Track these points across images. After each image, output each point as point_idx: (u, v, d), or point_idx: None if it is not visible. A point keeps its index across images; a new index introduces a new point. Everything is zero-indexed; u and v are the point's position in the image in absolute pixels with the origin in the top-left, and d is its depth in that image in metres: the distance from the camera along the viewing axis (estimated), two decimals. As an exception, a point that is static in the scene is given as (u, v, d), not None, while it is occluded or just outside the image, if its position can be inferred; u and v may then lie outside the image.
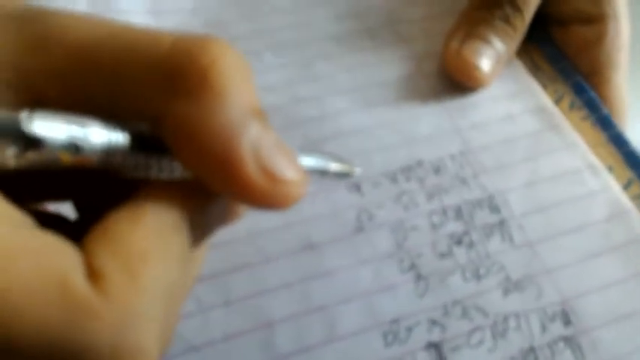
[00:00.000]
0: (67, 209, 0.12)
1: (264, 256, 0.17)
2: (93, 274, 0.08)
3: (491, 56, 0.21)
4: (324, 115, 0.20)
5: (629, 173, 0.20)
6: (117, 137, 0.09)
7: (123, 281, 0.08)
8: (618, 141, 0.21)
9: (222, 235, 0.18)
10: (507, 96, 0.21)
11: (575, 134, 0.21)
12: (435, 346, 0.16)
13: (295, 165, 0.10)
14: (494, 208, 0.19)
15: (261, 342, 0.16)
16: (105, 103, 0.10)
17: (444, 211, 0.19)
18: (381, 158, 0.19)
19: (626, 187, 0.20)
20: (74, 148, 0.09)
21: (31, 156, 0.09)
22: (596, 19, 0.22)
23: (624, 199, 0.19)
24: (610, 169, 0.20)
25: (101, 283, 0.08)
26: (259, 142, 0.10)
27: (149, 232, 0.09)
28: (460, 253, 0.18)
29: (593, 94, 0.22)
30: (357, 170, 0.13)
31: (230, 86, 0.09)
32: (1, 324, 0.08)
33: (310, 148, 0.19)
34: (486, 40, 0.21)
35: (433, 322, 0.16)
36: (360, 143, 0.20)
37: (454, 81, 0.21)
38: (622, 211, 0.19)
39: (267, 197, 0.10)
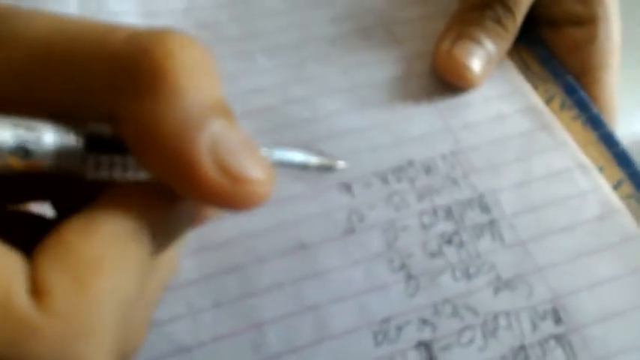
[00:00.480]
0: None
1: (255, 257, 0.17)
2: (37, 288, 0.08)
3: (482, 57, 0.21)
4: (316, 116, 0.20)
5: (619, 173, 0.20)
6: (70, 139, 0.09)
7: (69, 295, 0.08)
8: (609, 140, 0.21)
9: (212, 236, 0.18)
10: (499, 96, 0.22)
11: (565, 134, 0.21)
12: (425, 345, 0.16)
13: (260, 163, 0.09)
14: (485, 208, 0.19)
15: (252, 342, 0.16)
16: (63, 101, 0.09)
17: (435, 211, 0.19)
18: (372, 158, 0.19)
19: (617, 186, 0.20)
20: (24, 152, 0.09)
21: None
22: (587, 21, 0.22)
23: (615, 198, 0.19)
24: (601, 169, 0.20)
25: (45, 298, 0.08)
26: (219, 140, 0.09)
27: (103, 241, 0.09)
28: (450, 252, 0.18)
29: (583, 94, 0.22)
30: (341, 164, 0.13)
31: (187, 81, 0.09)
32: None
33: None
34: (477, 41, 0.21)
35: (423, 322, 0.17)
36: (351, 144, 0.20)
37: (446, 81, 0.21)
38: (612, 211, 0.19)
39: (228, 198, 0.09)
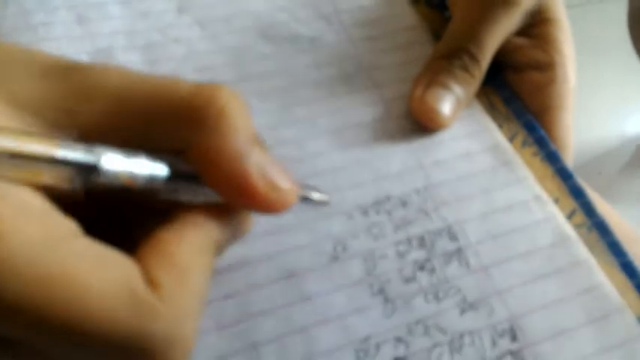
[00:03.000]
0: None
1: (251, 284, 0.20)
2: (151, 282, 0.11)
3: (451, 101, 0.24)
4: (304, 155, 0.23)
5: (572, 203, 0.23)
6: (158, 168, 0.12)
7: (174, 287, 0.11)
8: (564, 174, 0.24)
9: (215, 264, 0.20)
10: (467, 135, 0.24)
11: (525, 169, 0.24)
12: (399, 361, 0.19)
13: (288, 177, 0.13)
14: (453, 237, 0.21)
15: None
16: (139, 140, 0.12)
17: (409, 241, 0.21)
18: (354, 194, 0.22)
19: (570, 216, 0.23)
20: (129, 176, 0.12)
21: (96, 182, 0.11)
22: (546, 66, 0.25)
23: (567, 227, 0.22)
24: (556, 200, 0.23)
25: (157, 289, 0.11)
26: (261, 160, 0.13)
27: (191, 251, 0.12)
28: (423, 277, 0.21)
29: (542, 132, 0.24)
30: (330, 200, 0.17)
31: (239, 121, 0.12)
32: (81, 324, 0.10)
33: None
34: (447, 87, 0.24)
35: (399, 340, 0.19)
36: (335, 181, 0.22)
37: (420, 123, 0.24)
38: (564, 238, 0.22)
39: (270, 203, 0.13)
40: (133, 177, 0.12)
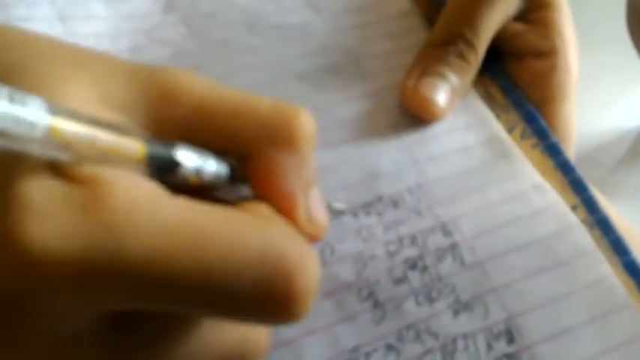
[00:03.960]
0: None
1: None
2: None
3: (446, 90, 0.22)
4: None
5: (574, 198, 0.22)
6: (222, 168, 0.13)
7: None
8: (565, 168, 0.22)
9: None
10: (463, 127, 0.23)
11: (525, 160, 0.22)
12: (389, 369, 0.18)
13: (325, 214, 0.14)
14: (447, 232, 0.20)
15: None
16: (210, 143, 0.13)
17: (400, 240, 0.20)
18: (343, 196, 0.21)
19: (571, 211, 0.21)
20: (198, 172, 0.12)
21: (170, 176, 0.12)
22: (547, 53, 0.23)
23: (571, 215, 0.21)
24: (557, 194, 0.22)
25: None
26: (310, 195, 0.13)
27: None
28: (414, 277, 0.19)
29: (543, 123, 0.23)
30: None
31: (307, 150, 0.13)
32: (219, 259, 0.11)
33: None
34: (442, 76, 0.22)
35: (389, 348, 0.18)
36: (324, 181, 0.21)
37: (413, 115, 0.22)
38: (568, 226, 0.20)
39: (304, 235, 0.13)
40: (202, 175, 0.12)
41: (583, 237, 0.20)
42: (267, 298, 0.11)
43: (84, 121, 0.10)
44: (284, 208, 0.13)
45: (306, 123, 0.13)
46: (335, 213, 0.17)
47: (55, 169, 0.10)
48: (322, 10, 0.26)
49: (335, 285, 0.19)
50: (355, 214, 0.20)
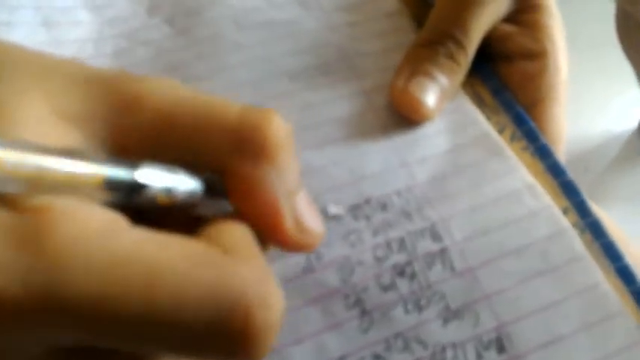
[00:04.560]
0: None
1: None
2: (223, 250, 0.11)
3: (436, 91, 0.22)
4: None
5: (564, 202, 0.21)
6: (196, 185, 0.12)
7: (248, 252, 0.11)
8: (555, 170, 0.22)
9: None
10: (453, 128, 0.22)
11: (516, 160, 0.22)
12: (377, 380, 0.17)
13: (318, 220, 0.13)
14: (437, 237, 0.20)
15: None
16: (179, 156, 0.12)
17: (389, 244, 0.19)
18: (330, 198, 0.20)
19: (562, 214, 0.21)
20: (168, 192, 0.11)
21: (136, 198, 0.11)
22: (538, 55, 0.23)
23: (563, 219, 0.20)
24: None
25: (233, 254, 0.11)
26: (297, 206, 0.12)
27: (246, 234, 0.12)
28: (403, 284, 0.19)
29: (532, 124, 0.23)
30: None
31: (280, 156, 0.12)
32: (167, 302, 0.10)
33: None
34: (431, 76, 0.22)
35: (377, 357, 0.17)
36: (311, 183, 0.20)
37: (402, 115, 0.22)
38: (561, 230, 0.20)
39: (295, 244, 0.13)
40: (174, 194, 0.11)
41: (576, 241, 0.20)
42: (223, 338, 0.10)
43: (31, 150, 0.10)
44: (268, 222, 0.12)
45: (278, 128, 0.12)
46: (331, 217, 0.17)
47: (2, 200, 0.10)
48: (312, 7, 0.25)
49: (321, 291, 0.18)
50: (342, 219, 0.20)
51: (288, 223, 0.12)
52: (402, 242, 0.20)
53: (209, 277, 0.10)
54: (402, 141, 0.22)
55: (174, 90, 0.12)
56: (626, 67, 0.69)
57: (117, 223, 0.10)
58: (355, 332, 0.18)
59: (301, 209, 0.13)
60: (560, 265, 0.19)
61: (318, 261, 0.19)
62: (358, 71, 0.24)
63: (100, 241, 0.10)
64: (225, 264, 0.10)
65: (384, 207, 0.20)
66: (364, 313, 0.18)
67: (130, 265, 0.10)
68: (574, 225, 0.21)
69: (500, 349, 0.18)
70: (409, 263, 0.19)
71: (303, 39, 0.24)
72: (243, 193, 0.12)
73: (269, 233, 0.12)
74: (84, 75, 0.12)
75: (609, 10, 0.64)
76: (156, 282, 0.10)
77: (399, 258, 0.19)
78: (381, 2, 0.26)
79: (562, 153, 0.23)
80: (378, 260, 0.19)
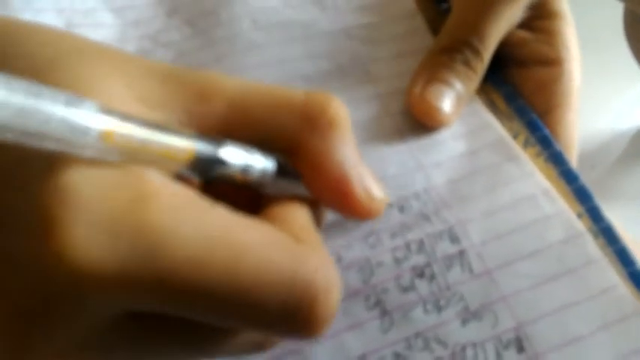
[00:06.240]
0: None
1: None
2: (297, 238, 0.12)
3: (452, 98, 0.22)
4: None
5: (578, 208, 0.22)
6: (269, 164, 0.13)
7: (313, 241, 0.13)
8: (569, 176, 0.22)
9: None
10: (469, 132, 0.23)
11: (531, 164, 0.22)
12: (398, 378, 0.18)
13: (381, 188, 0.15)
14: (455, 239, 0.20)
15: None
16: (250, 139, 0.13)
17: (408, 246, 0.20)
18: None
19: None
20: (245, 170, 0.12)
21: (212, 173, 0.12)
22: (553, 62, 0.23)
23: (578, 223, 0.21)
24: (562, 202, 0.22)
25: (301, 242, 0.12)
26: (361, 170, 0.14)
27: (309, 219, 0.14)
28: (422, 285, 0.19)
29: (546, 131, 0.23)
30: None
31: (346, 132, 0.14)
32: (246, 280, 0.11)
33: None
34: (447, 83, 0.22)
35: (397, 356, 0.18)
36: None
37: (419, 121, 0.23)
38: (577, 235, 0.20)
39: (365, 210, 0.14)
40: (250, 171, 0.12)
41: (591, 245, 0.20)
42: (291, 319, 0.11)
43: (136, 123, 0.10)
44: (340, 191, 0.13)
45: (340, 106, 0.14)
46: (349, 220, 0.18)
47: (101, 164, 0.10)
48: (328, 7, 0.26)
49: (342, 292, 0.19)
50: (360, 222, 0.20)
51: (358, 190, 0.14)
52: (421, 244, 0.20)
53: (285, 262, 0.11)
54: (417, 145, 0.22)
55: (242, 81, 0.13)
56: (632, 65, 0.69)
57: (203, 200, 0.11)
58: (376, 332, 0.18)
59: (367, 178, 0.14)
60: (577, 267, 0.20)
61: (339, 262, 0.20)
62: (373, 75, 0.24)
63: (194, 218, 0.10)
64: (299, 251, 0.12)
65: (401, 209, 0.21)
66: (384, 313, 0.19)
67: (220, 243, 0.10)
68: (588, 230, 0.21)
69: (520, 348, 0.18)
70: (428, 265, 0.20)
71: (318, 42, 0.25)
72: (315, 167, 0.13)
73: (341, 202, 0.14)
74: (157, 67, 0.12)
75: (617, 9, 0.63)
76: (241, 261, 0.10)
77: (418, 259, 0.20)
78: (398, 3, 0.26)
79: (574, 158, 0.24)
80: (398, 262, 0.20)
